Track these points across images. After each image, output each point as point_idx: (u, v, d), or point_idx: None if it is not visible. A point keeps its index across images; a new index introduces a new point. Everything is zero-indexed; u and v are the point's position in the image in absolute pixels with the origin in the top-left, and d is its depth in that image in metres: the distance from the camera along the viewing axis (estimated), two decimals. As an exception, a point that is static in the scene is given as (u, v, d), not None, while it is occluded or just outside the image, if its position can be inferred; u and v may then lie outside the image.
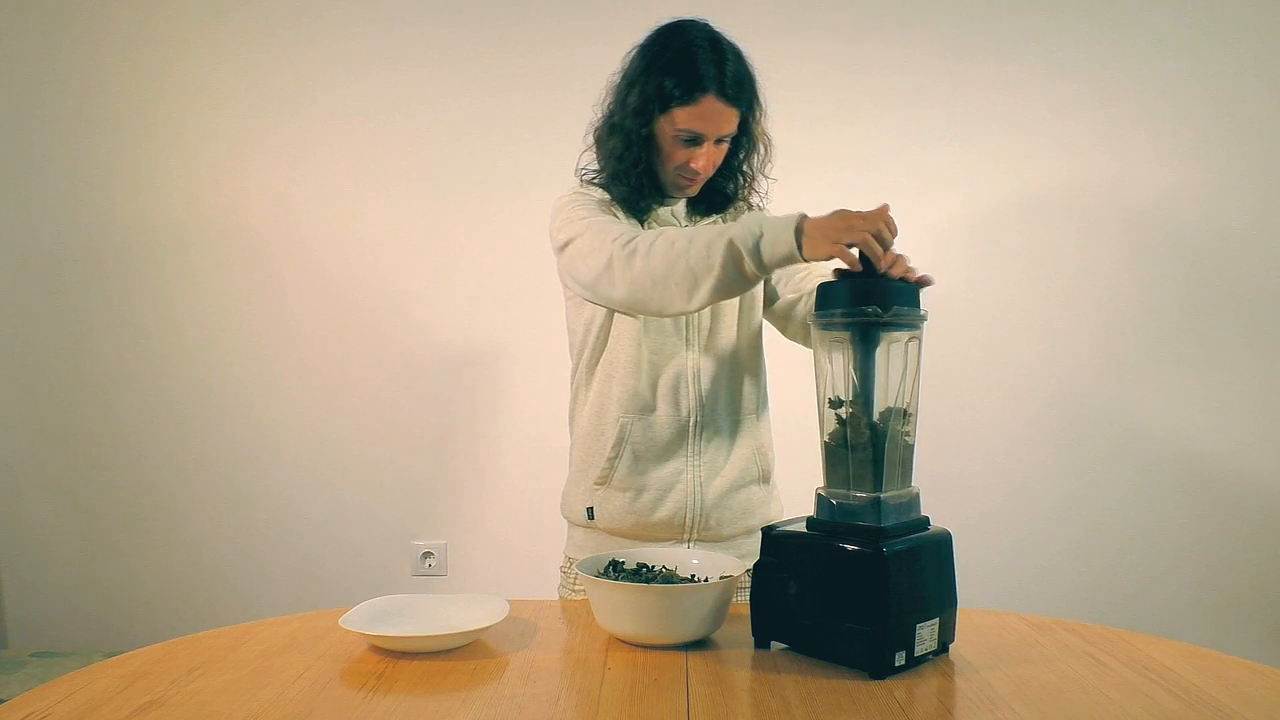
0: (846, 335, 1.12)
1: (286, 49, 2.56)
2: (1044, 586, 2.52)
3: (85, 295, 2.59)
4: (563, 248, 1.39)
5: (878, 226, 1.11)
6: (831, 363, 1.15)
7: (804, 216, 1.15)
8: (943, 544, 1.13)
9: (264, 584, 2.60)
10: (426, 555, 2.59)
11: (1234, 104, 2.47)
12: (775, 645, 1.17)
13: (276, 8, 2.55)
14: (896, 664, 1.06)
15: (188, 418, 2.60)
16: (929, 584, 1.10)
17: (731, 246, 1.17)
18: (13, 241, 2.59)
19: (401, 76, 2.54)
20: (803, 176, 2.50)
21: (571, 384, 1.53)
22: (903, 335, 1.12)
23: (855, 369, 1.12)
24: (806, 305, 1.43)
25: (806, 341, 1.46)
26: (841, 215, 1.13)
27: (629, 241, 1.27)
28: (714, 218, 1.51)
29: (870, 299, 1.09)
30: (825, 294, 1.14)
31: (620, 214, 1.44)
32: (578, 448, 1.52)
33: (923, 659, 1.10)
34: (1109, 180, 2.49)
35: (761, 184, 1.52)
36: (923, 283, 1.15)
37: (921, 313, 1.13)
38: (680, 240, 1.22)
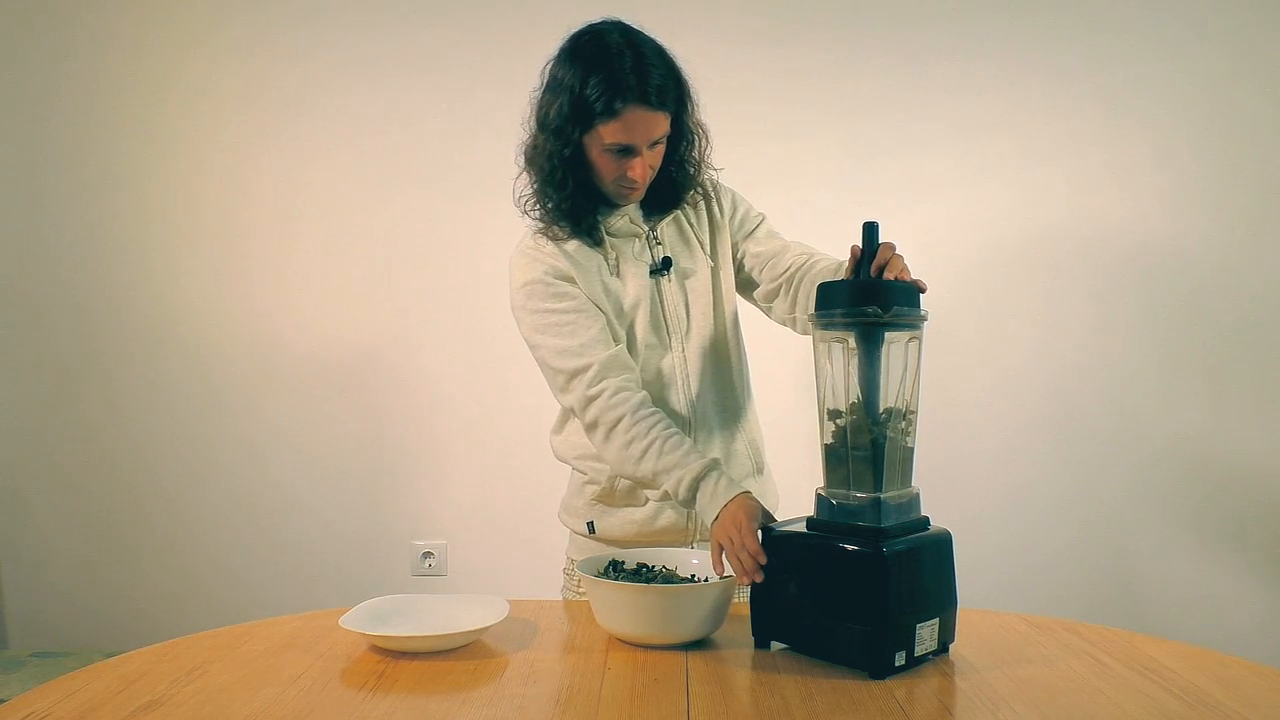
0: (847, 335, 1.12)
1: (290, 54, 2.55)
2: (1041, 581, 2.52)
3: (89, 294, 2.59)
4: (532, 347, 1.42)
5: (738, 555, 1.18)
6: (831, 363, 1.15)
7: (725, 508, 1.22)
8: (943, 544, 1.13)
9: (264, 584, 2.60)
10: (426, 555, 2.59)
11: (1232, 106, 2.47)
12: (775, 645, 1.17)
13: (281, 13, 2.55)
14: (896, 664, 1.06)
15: (188, 419, 2.60)
16: (929, 584, 1.10)
17: (666, 493, 1.29)
18: (18, 240, 2.59)
19: (405, 81, 2.54)
20: (802, 180, 2.52)
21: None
22: (903, 336, 1.12)
23: (855, 369, 1.12)
24: (788, 292, 1.41)
25: (793, 325, 1.44)
26: (726, 534, 1.20)
27: (587, 408, 1.34)
28: (672, 214, 1.46)
29: (871, 299, 1.09)
30: (826, 294, 1.14)
31: (569, 257, 1.39)
32: (574, 464, 1.50)
33: (923, 659, 1.10)
34: (1106, 181, 2.49)
35: (709, 173, 1.47)
36: (916, 287, 1.15)
37: (922, 313, 1.13)
38: (632, 449, 1.30)
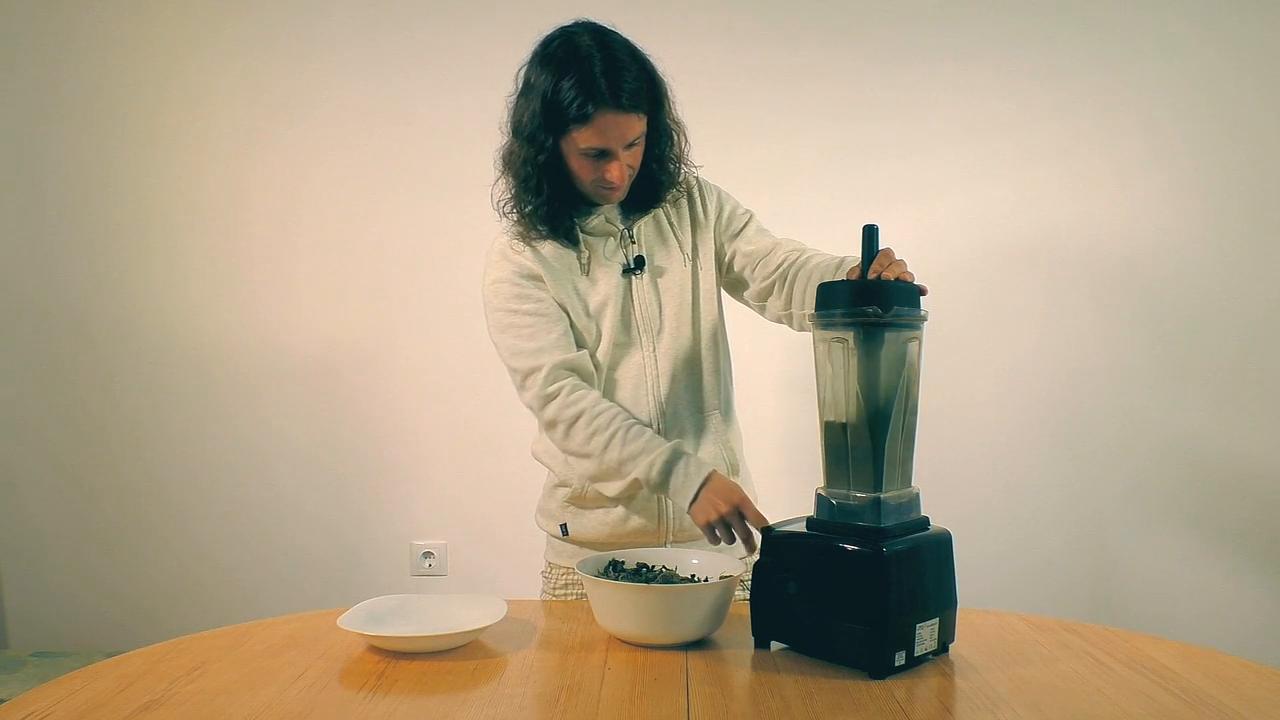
0: (847, 335, 1.12)
1: (290, 54, 2.55)
2: (1041, 581, 2.52)
3: (88, 294, 2.59)
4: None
5: (730, 522, 1.27)
6: (831, 363, 1.15)
7: (704, 482, 1.28)
8: (943, 544, 1.13)
9: (264, 584, 2.60)
10: (426, 555, 2.59)
11: (1232, 106, 2.47)
12: (775, 645, 1.17)
13: (281, 13, 2.55)
14: (896, 664, 1.06)
15: (188, 419, 2.60)
16: (929, 584, 1.10)
17: (635, 481, 1.34)
18: (18, 241, 2.59)
19: (405, 81, 2.54)
20: (803, 181, 2.52)
21: None
22: (903, 336, 1.12)
23: (855, 369, 1.12)
24: (781, 289, 1.40)
25: (789, 322, 1.43)
26: (715, 510, 1.27)
27: (544, 407, 1.37)
28: (652, 213, 1.45)
29: (871, 299, 1.09)
30: (826, 294, 1.14)
31: (541, 259, 1.41)
32: (549, 464, 1.50)
33: (923, 659, 1.10)
34: (1106, 181, 2.49)
35: (692, 171, 1.46)
36: (917, 288, 1.14)
37: (922, 313, 1.13)
38: (595, 440, 1.34)
